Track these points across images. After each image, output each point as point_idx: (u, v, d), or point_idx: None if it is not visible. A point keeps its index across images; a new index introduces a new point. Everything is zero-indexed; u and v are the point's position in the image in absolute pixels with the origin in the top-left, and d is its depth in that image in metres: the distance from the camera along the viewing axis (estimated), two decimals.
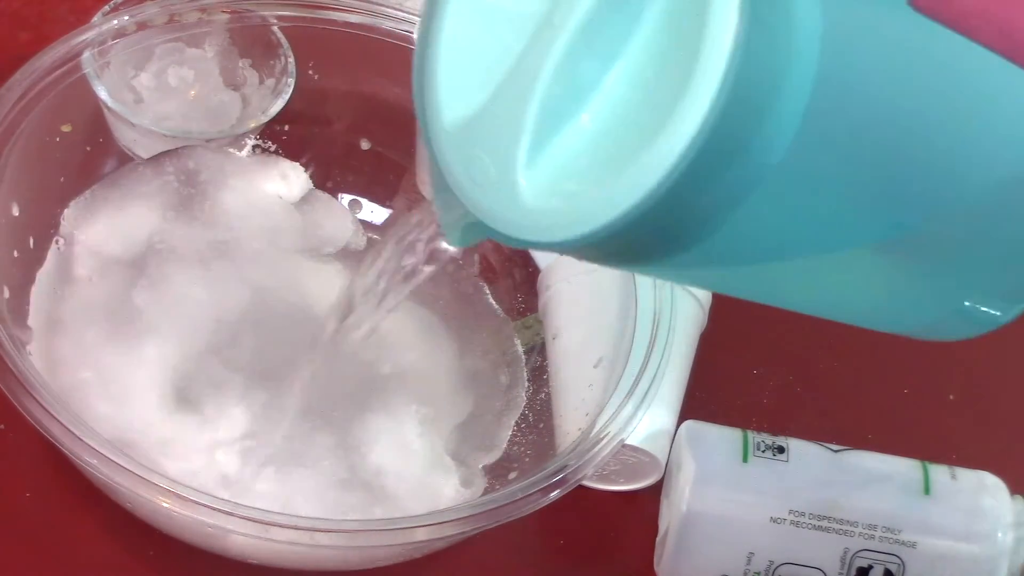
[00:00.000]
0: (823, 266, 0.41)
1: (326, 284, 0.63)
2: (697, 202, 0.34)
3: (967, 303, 0.44)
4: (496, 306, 0.66)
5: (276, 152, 0.67)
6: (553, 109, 0.37)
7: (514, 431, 0.62)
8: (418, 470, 0.58)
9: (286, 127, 0.67)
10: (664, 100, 0.34)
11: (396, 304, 0.50)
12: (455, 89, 0.41)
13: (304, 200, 0.66)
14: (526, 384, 0.63)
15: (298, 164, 0.66)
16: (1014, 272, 0.43)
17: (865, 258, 0.41)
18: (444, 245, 0.47)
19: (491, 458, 0.60)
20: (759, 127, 0.33)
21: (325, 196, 0.67)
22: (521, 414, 0.63)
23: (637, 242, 0.36)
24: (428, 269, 0.48)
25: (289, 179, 0.65)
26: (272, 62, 0.67)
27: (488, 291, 0.67)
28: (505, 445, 0.61)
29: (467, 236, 0.43)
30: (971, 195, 0.40)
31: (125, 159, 0.64)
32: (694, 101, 0.33)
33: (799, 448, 0.60)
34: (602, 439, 0.54)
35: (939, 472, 0.61)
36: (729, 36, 0.32)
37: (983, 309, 0.44)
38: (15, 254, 0.58)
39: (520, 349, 0.65)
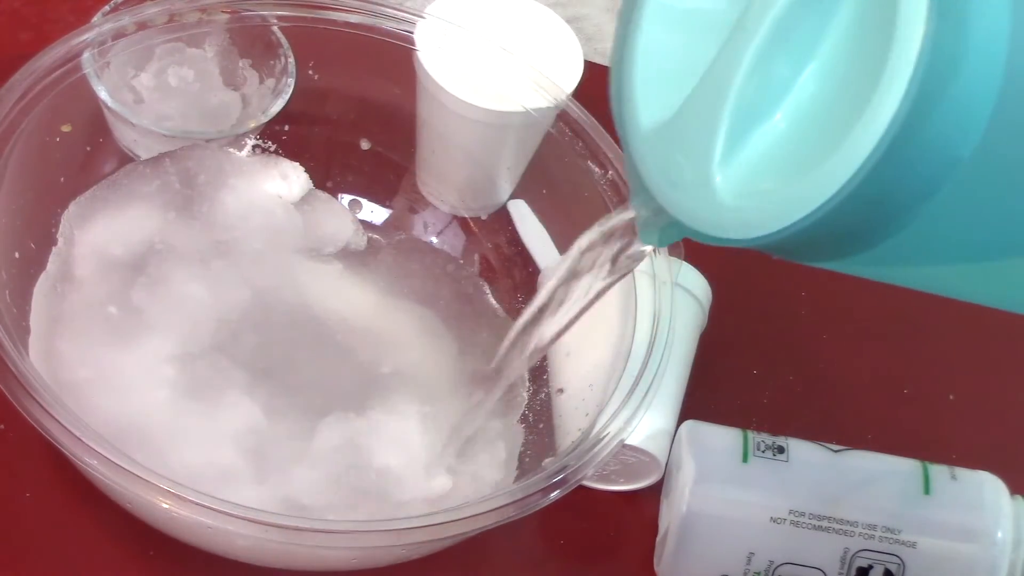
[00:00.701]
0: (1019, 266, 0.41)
1: (326, 284, 0.63)
2: (888, 196, 0.35)
3: None
4: (497, 305, 0.66)
5: (276, 152, 0.67)
6: (747, 110, 0.39)
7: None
8: (418, 469, 0.58)
9: (286, 127, 0.67)
10: (856, 97, 0.35)
11: (581, 311, 0.51)
12: (651, 94, 0.43)
13: (304, 200, 0.66)
14: (526, 384, 0.63)
15: (298, 164, 0.66)
16: None
17: None
18: (638, 247, 0.47)
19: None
20: (949, 119, 0.34)
21: (325, 196, 0.67)
22: (521, 414, 0.63)
23: (830, 237, 0.37)
24: (618, 276, 0.49)
25: (289, 179, 0.65)
26: (272, 62, 0.67)
27: (488, 291, 0.67)
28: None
29: (665, 236, 0.44)
30: None
31: (125, 159, 0.64)
32: (885, 95, 0.34)
33: (799, 448, 0.60)
34: (602, 439, 0.54)
35: (939, 472, 0.61)
36: (919, 29, 0.33)
37: None
38: (16, 255, 0.58)
39: None
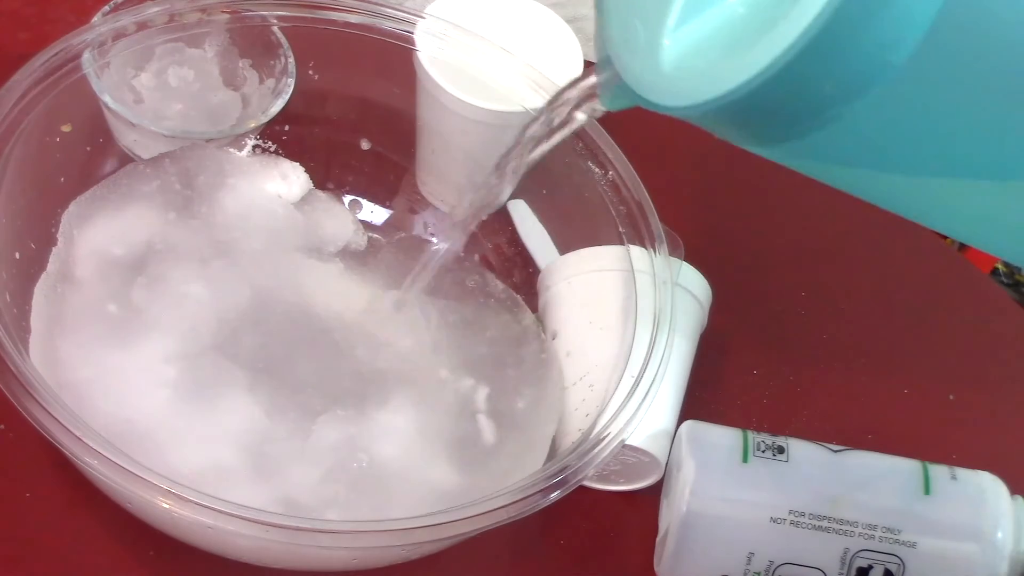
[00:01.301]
0: (947, 185, 0.42)
1: (326, 283, 0.63)
2: (815, 81, 0.36)
3: None
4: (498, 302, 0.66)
5: (276, 152, 0.67)
6: None
7: None
8: (420, 468, 0.58)
9: (286, 127, 0.67)
10: None
11: (541, 154, 0.54)
12: None
13: (304, 200, 0.66)
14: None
15: (298, 164, 0.66)
16: None
17: (992, 188, 0.42)
18: (594, 106, 0.50)
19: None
20: (882, 21, 0.34)
21: (325, 196, 0.67)
22: None
23: (758, 114, 0.38)
24: (576, 123, 0.51)
25: (289, 179, 0.65)
26: (272, 62, 0.67)
27: (489, 283, 0.66)
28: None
29: (617, 99, 0.46)
30: None
31: (125, 159, 0.64)
32: None
33: (799, 448, 0.60)
34: (602, 439, 0.54)
35: (939, 472, 0.61)
36: None
37: None
38: (16, 255, 0.58)
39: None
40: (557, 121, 0.52)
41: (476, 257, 0.68)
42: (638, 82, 0.43)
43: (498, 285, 0.66)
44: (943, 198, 0.44)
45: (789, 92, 0.36)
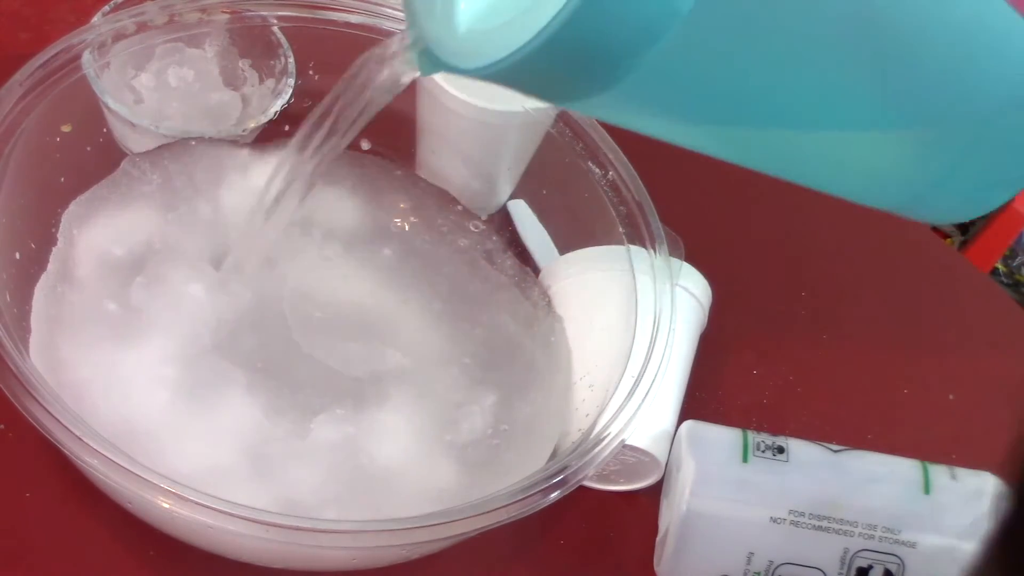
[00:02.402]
0: (758, 125, 0.42)
1: (327, 281, 0.63)
2: (604, 31, 0.36)
3: (926, 195, 0.45)
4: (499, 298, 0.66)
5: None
6: None
7: None
8: (420, 467, 0.58)
9: (286, 127, 0.67)
10: None
11: (347, 130, 0.53)
12: None
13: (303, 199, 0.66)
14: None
15: None
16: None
17: (806, 135, 0.42)
18: (403, 71, 0.49)
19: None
20: None
21: (326, 193, 0.66)
22: None
23: (550, 72, 0.38)
24: (383, 95, 0.51)
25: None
26: (272, 62, 0.67)
27: (491, 278, 0.66)
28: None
29: (423, 63, 0.46)
30: (937, 74, 0.41)
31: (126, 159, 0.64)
32: None
33: (799, 448, 0.61)
34: (602, 439, 0.54)
35: (939, 472, 0.61)
36: None
37: (938, 204, 0.46)
38: (16, 255, 0.58)
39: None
40: (364, 91, 0.52)
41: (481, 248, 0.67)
42: (439, 46, 0.43)
43: (505, 262, 0.66)
44: (762, 144, 0.44)
45: (578, 44, 0.37)
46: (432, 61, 0.44)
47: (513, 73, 0.39)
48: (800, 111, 0.41)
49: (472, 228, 0.67)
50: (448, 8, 0.42)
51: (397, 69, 0.49)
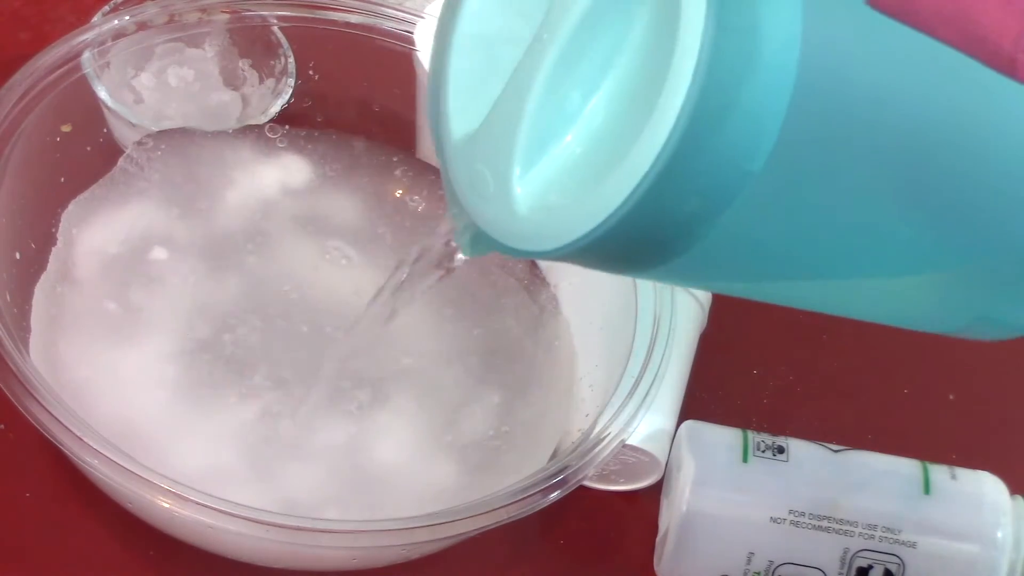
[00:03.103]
0: (826, 276, 0.41)
1: (329, 280, 0.63)
2: (674, 209, 0.35)
3: (991, 314, 0.44)
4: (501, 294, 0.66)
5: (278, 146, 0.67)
6: (541, 131, 0.39)
7: None
8: (421, 468, 0.58)
9: (286, 127, 0.67)
10: (641, 118, 0.35)
11: (412, 298, 0.52)
12: (462, 104, 0.43)
13: (306, 195, 0.66)
14: None
15: (301, 158, 0.66)
16: None
17: (881, 284, 0.41)
18: (460, 255, 0.48)
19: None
20: (731, 135, 0.34)
21: (327, 191, 0.66)
22: None
23: (624, 249, 0.37)
24: (440, 273, 0.49)
25: (291, 172, 0.65)
26: (272, 62, 0.67)
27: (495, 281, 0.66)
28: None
29: (475, 246, 0.44)
30: (991, 214, 0.40)
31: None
32: (663, 115, 0.34)
33: (799, 448, 0.60)
34: (603, 439, 0.54)
35: (939, 472, 0.61)
36: (693, 54, 0.33)
37: (1008, 320, 0.44)
38: (16, 255, 0.58)
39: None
40: (421, 276, 0.50)
41: None
42: (496, 230, 0.41)
43: (516, 264, 0.65)
44: (833, 295, 0.43)
45: (650, 221, 0.35)
46: (486, 243, 0.42)
47: (580, 253, 0.37)
48: (861, 261, 0.40)
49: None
50: (504, 189, 0.40)
51: (447, 252, 0.48)
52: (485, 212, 0.41)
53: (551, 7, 0.40)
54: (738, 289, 0.43)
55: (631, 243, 0.36)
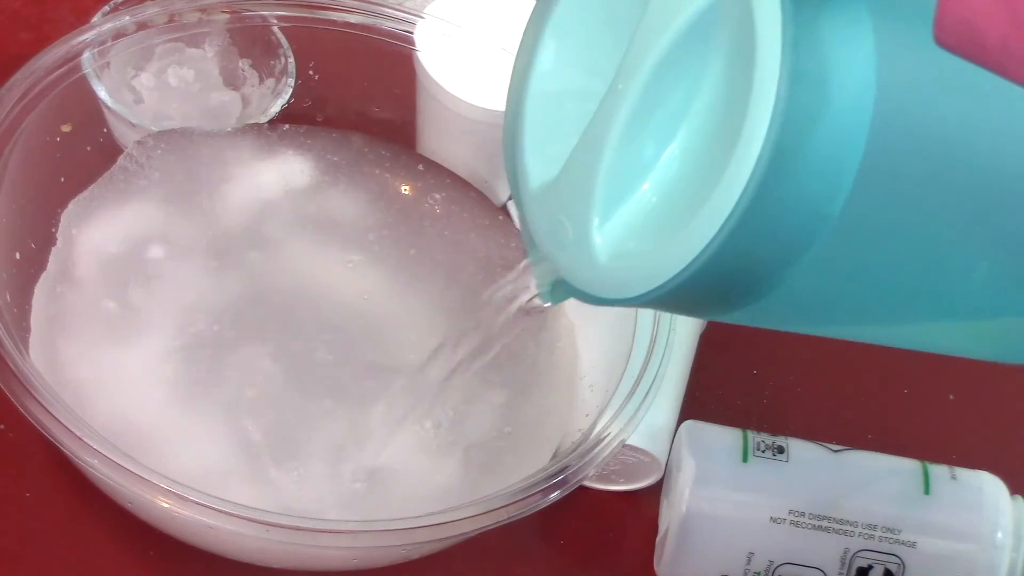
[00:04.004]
0: (902, 314, 0.41)
1: (331, 278, 0.63)
2: (753, 254, 0.35)
3: None
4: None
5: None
6: (618, 181, 0.40)
7: None
8: (423, 467, 0.58)
9: (286, 127, 0.67)
10: (717, 166, 0.35)
11: (486, 359, 0.52)
12: (539, 154, 0.44)
13: (308, 192, 0.66)
14: None
15: (301, 155, 0.66)
16: None
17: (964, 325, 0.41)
18: (538, 301, 0.48)
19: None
20: (808, 179, 0.34)
21: (328, 188, 0.66)
22: None
23: (704, 294, 0.37)
24: (522, 320, 0.50)
25: (292, 170, 0.65)
26: (272, 62, 0.67)
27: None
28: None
29: (556, 293, 0.45)
30: None
31: None
32: (740, 162, 0.34)
33: (799, 448, 0.60)
34: (603, 440, 0.54)
35: (939, 472, 0.61)
36: (769, 101, 0.33)
37: None
38: (16, 255, 0.58)
39: None
40: (500, 322, 0.50)
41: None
42: (577, 278, 0.42)
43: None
44: (915, 335, 0.44)
45: (730, 266, 0.36)
46: (566, 291, 0.43)
47: (662, 300, 0.38)
48: (939, 303, 0.41)
49: (492, 231, 0.67)
50: (583, 238, 0.41)
51: (524, 302, 0.48)
52: (565, 260, 0.42)
53: (625, 58, 0.40)
54: (821, 331, 0.44)
55: (711, 289, 0.37)
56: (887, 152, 0.35)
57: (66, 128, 0.61)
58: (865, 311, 0.41)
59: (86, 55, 0.60)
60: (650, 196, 0.40)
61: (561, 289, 0.44)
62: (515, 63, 0.44)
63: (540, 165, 0.44)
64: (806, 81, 0.33)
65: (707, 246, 0.35)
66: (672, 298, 0.37)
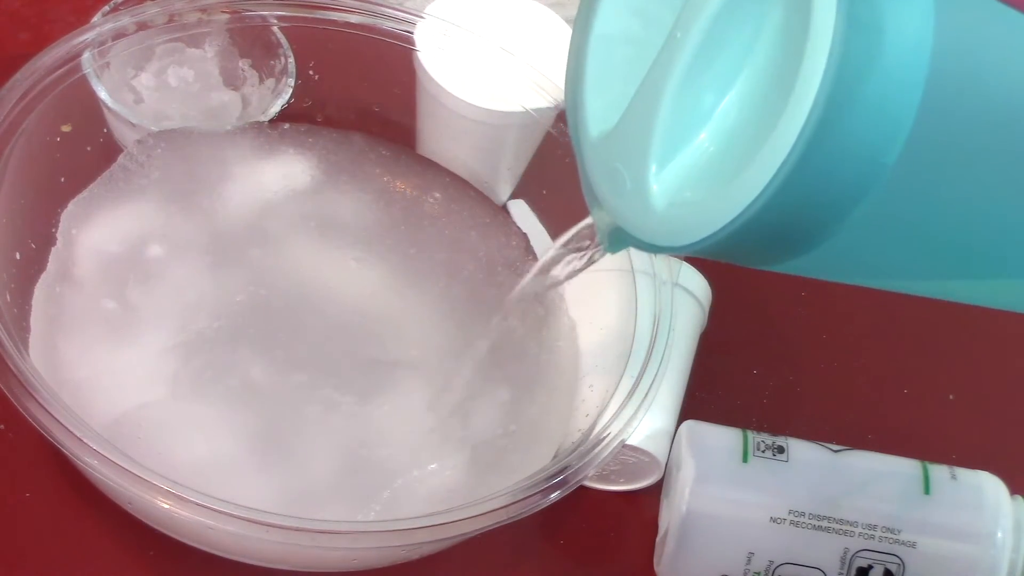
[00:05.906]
0: (953, 268, 0.41)
1: (331, 274, 0.63)
2: (808, 202, 0.36)
3: None
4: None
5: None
6: (675, 130, 0.40)
7: None
8: (426, 465, 0.58)
9: (286, 127, 0.67)
10: (774, 115, 0.35)
11: (551, 288, 0.54)
12: (599, 104, 0.45)
13: (308, 190, 0.66)
14: None
15: (300, 155, 0.66)
16: None
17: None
18: (597, 251, 0.49)
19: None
20: (863, 128, 0.34)
21: (328, 185, 0.66)
22: None
23: (758, 242, 0.38)
24: (582, 266, 0.51)
25: (293, 168, 0.65)
26: (272, 62, 0.67)
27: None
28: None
29: (614, 243, 0.46)
30: None
31: None
32: (796, 106, 0.34)
33: (799, 448, 0.61)
34: (603, 440, 0.54)
35: (939, 472, 0.61)
36: (825, 50, 0.34)
37: None
38: (16, 255, 0.58)
39: None
40: (564, 271, 0.52)
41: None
42: (635, 227, 0.42)
43: (525, 265, 0.66)
44: (965, 288, 0.44)
45: (784, 213, 0.36)
46: (625, 239, 0.44)
47: (717, 247, 0.38)
48: (987, 255, 0.41)
49: (493, 230, 0.67)
50: (641, 186, 0.41)
51: (587, 255, 0.49)
52: (623, 209, 0.43)
53: (684, 7, 0.41)
54: (873, 283, 0.44)
55: (765, 237, 0.37)
56: (944, 105, 0.35)
57: (66, 128, 0.61)
58: (916, 265, 0.41)
59: (86, 55, 0.60)
60: (707, 145, 0.40)
61: (620, 238, 0.44)
62: (578, 12, 0.45)
63: (599, 114, 0.45)
64: (862, 28, 0.34)
65: (761, 194, 0.35)
66: (725, 246, 0.38)
